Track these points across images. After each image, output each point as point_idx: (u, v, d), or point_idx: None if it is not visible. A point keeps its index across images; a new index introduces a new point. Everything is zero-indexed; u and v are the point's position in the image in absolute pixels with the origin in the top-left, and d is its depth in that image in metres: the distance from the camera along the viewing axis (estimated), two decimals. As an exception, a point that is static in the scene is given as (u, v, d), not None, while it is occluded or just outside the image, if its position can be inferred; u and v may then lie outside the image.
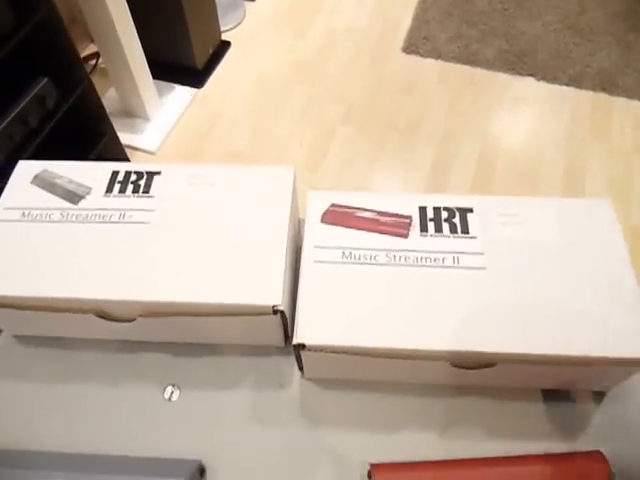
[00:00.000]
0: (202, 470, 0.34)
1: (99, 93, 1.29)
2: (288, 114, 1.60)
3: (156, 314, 0.34)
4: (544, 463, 0.32)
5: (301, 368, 0.36)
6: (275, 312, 0.33)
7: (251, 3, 1.84)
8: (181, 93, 1.54)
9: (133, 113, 1.47)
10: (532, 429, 0.35)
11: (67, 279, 0.34)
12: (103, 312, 0.35)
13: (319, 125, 1.57)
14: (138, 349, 0.39)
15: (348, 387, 0.37)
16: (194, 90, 1.57)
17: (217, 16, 1.59)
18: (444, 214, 0.36)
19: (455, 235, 0.35)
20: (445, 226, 0.36)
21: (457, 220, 0.36)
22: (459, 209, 0.37)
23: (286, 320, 0.35)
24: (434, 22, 1.80)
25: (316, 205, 0.37)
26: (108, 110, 1.33)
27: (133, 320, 0.35)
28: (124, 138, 1.37)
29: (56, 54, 1.10)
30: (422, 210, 0.37)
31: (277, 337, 0.37)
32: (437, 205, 0.37)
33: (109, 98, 1.47)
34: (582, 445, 0.34)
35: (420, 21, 1.80)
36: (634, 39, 1.70)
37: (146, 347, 0.39)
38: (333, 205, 0.37)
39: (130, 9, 1.26)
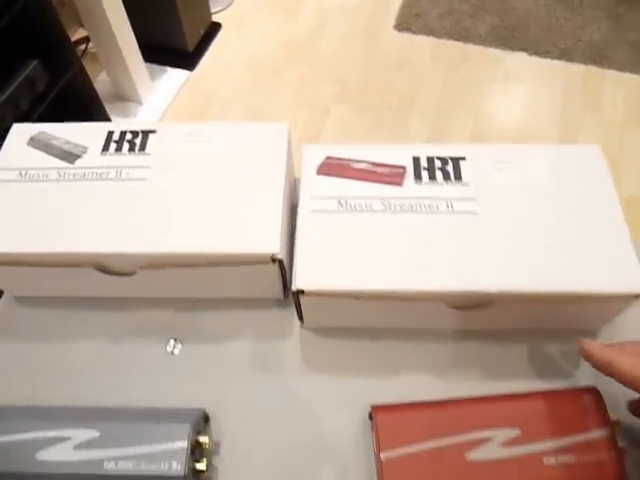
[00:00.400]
0: (206, 418, 0.35)
1: (90, 77, 1.28)
2: (281, 94, 1.60)
3: (155, 266, 0.34)
4: (542, 398, 0.33)
5: (301, 317, 0.37)
6: (274, 260, 0.34)
7: (241, -16, 1.83)
8: (173, 75, 1.54)
9: (125, 97, 1.46)
10: (529, 370, 0.36)
11: (66, 234, 0.34)
12: (103, 266, 0.35)
13: (313, 104, 1.57)
14: (139, 306, 0.39)
15: (348, 335, 0.38)
16: (186, 72, 1.56)
17: (207, -4, 1.58)
18: (437, 163, 0.37)
19: (448, 182, 0.36)
20: (439, 174, 0.36)
21: (450, 168, 0.37)
22: (452, 158, 0.37)
23: (285, 271, 0.35)
24: (425, -1, 1.79)
25: (312, 158, 0.38)
26: (100, 94, 1.32)
27: (133, 274, 0.35)
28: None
29: (45, 36, 1.10)
30: (416, 160, 0.37)
31: (276, 289, 0.38)
32: (430, 155, 0.37)
33: (100, 82, 1.46)
34: (578, 384, 0.35)
35: (411, -2, 1.79)
36: (624, 11, 1.70)
37: (147, 304, 0.39)
38: (328, 157, 0.38)
39: (119, -10, 1.25)
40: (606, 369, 0.29)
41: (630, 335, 0.37)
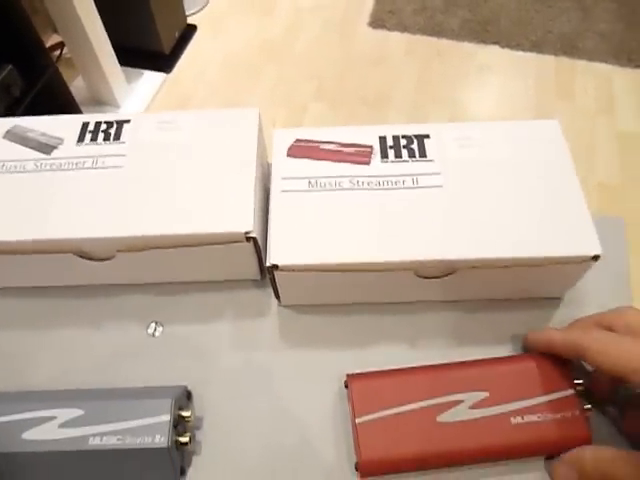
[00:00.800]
0: (189, 394, 0.36)
1: (66, 82, 1.28)
2: (259, 94, 1.61)
3: (133, 249, 0.35)
4: (510, 363, 0.35)
5: (277, 295, 0.38)
6: (248, 239, 0.35)
7: (215, -14, 1.84)
8: (150, 78, 1.54)
9: (102, 101, 1.46)
10: (498, 337, 0.38)
11: (45, 222, 0.35)
12: (82, 251, 0.36)
13: (291, 103, 1.58)
14: (120, 292, 0.40)
15: (324, 311, 0.39)
16: (163, 75, 1.57)
17: (181, 0, 1.58)
18: (403, 141, 0.38)
19: (414, 159, 0.37)
20: (404, 152, 0.38)
21: (415, 146, 0.38)
22: (416, 136, 0.39)
23: (259, 250, 0.37)
24: (398, -4, 1.81)
25: (282, 142, 0.39)
26: (77, 99, 1.33)
27: (112, 258, 0.36)
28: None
29: (19, 42, 1.10)
30: (382, 139, 0.39)
31: (253, 269, 0.39)
32: (396, 134, 0.39)
33: (77, 87, 1.47)
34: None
35: (384, -5, 1.82)
36: (592, 3, 1.74)
37: (127, 290, 0.40)
38: (298, 140, 0.39)
39: (92, -6, 1.25)
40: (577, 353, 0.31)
41: (592, 299, 0.39)
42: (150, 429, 0.32)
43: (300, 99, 1.57)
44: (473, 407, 0.33)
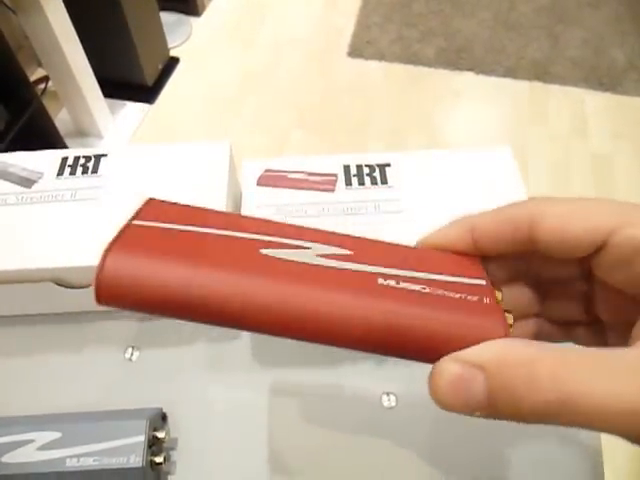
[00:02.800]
0: (164, 416, 0.37)
1: (51, 115, 1.31)
2: (241, 123, 1.64)
3: (110, 276, 0.37)
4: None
5: (249, 318, 0.40)
6: (219, 265, 0.37)
7: (197, 19, 1.89)
8: (133, 110, 1.57)
9: (86, 132, 1.49)
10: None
11: (24, 253, 0.37)
12: (60, 279, 0.38)
13: (272, 131, 1.61)
14: (97, 318, 0.42)
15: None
16: (146, 106, 1.59)
17: (163, 33, 1.62)
18: (365, 170, 0.41)
19: (375, 187, 0.40)
20: (367, 179, 0.40)
21: (377, 174, 0.40)
22: (378, 165, 0.41)
23: (231, 276, 0.38)
24: (376, 27, 1.87)
25: (251, 172, 0.41)
26: (61, 131, 1.35)
27: (89, 286, 0.38)
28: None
29: (3, 77, 1.12)
30: (346, 168, 0.41)
31: (225, 294, 0.41)
32: (359, 163, 0.41)
33: (61, 120, 1.49)
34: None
35: (362, 26, 1.88)
36: (561, 30, 1.80)
37: (104, 316, 0.42)
38: (267, 170, 0.41)
39: (76, 30, 1.29)
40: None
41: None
42: (125, 450, 0.33)
43: (281, 128, 1.60)
44: (324, 256, 0.22)
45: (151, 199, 0.24)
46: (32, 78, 1.55)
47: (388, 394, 0.38)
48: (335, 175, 0.40)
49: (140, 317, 0.42)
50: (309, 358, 0.40)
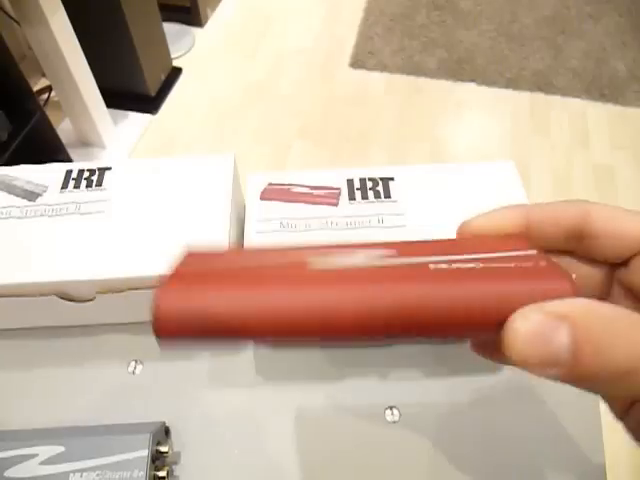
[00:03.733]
0: (167, 430, 0.37)
1: (54, 125, 1.31)
2: (244, 133, 1.65)
3: (113, 290, 0.37)
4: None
5: (252, 332, 0.40)
6: (222, 279, 0.37)
7: (200, 30, 1.90)
8: (136, 120, 1.58)
9: (89, 142, 1.49)
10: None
11: (28, 266, 0.37)
12: (64, 293, 0.38)
13: (275, 141, 1.62)
14: (101, 332, 0.42)
15: (298, 347, 0.41)
16: (149, 116, 1.60)
17: (166, 43, 1.63)
18: (369, 184, 0.41)
19: (379, 200, 0.40)
20: (370, 193, 0.40)
21: (380, 188, 0.41)
22: (382, 178, 0.41)
23: (235, 289, 0.39)
24: (378, 37, 1.88)
25: (255, 185, 0.41)
26: (64, 141, 1.35)
27: (93, 299, 0.38)
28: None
29: (6, 87, 1.13)
30: (350, 182, 0.41)
31: (229, 307, 0.41)
32: (363, 176, 0.41)
33: (64, 129, 1.50)
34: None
35: (364, 37, 1.89)
36: (563, 41, 1.81)
37: (108, 329, 0.42)
38: (270, 184, 0.41)
39: (79, 40, 1.29)
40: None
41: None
42: (129, 464, 0.33)
43: (284, 138, 1.61)
44: (375, 258, 0.21)
45: (189, 251, 0.24)
46: (35, 88, 1.56)
47: (391, 408, 0.38)
48: (338, 189, 0.41)
49: (142, 330, 0.42)
50: (312, 373, 0.40)
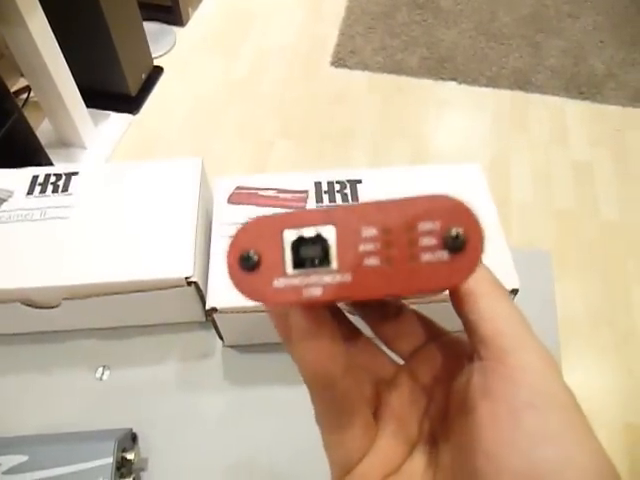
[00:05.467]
0: (134, 436, 0.37)
1: (33, 126, 1.30)
2: (226, 133, 1.64)
3: (78, 296, 0.37)
4: None
5: (220, 336, 0.40)
6: (189, 283, 0.37)
7: (181, 29, 1.89)
8: (117, 120, 1.56)
9: (69, 143, 1.48)
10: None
11: (-7, 273, 0.37)
12: (29, 300, 0.37)
13: (257, 140, 1.61)
14: (68, 338, 0.41)
15: (266, 350, 0.41)
16: (130, 116, 1.59)
17: (147, 42, 1.62)
18: (337, 186, 0.41)
19: (346, 203, 0.40)
20: (338, 196, 0.40)
21: (348, 190, 0.41)
22: (349, 181, 0.41)
23: (203, 295, 0.38)
24: (359, 36, 1.88)
25: (223, 189, 0.41)
26: (44, 141, 1.34)
27: (58, 305, 0.38)
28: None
29: (-17, 88, 1.11)
30: (317, 185, 0.41)
31: (197, 311, 0.40)
32: (331, 179, 0.41)
33: (43, 130, 1.48)
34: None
35: (346, 36, 1.88)
36: (542, 40, 1.82)
37: (75, 335, 0.42)
38: (238, 187, 0.41)
39: (57, 40, 1.28)
40: None
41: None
42: (93, 472, 0.33)
43: (266, 137, 1.60)
44: None
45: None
46: (14, 88, 1.54)
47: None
48: (306, 192, 0.41)
49: (109, 335, 0.42)
50: (279, 375, 0.40)
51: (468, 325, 0.19)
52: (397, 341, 0.23)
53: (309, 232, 0.17)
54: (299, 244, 0.17)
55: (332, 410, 0.20)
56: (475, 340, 0.19)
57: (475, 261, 0.17)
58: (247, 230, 0.18)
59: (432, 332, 0.23)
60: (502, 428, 0.17)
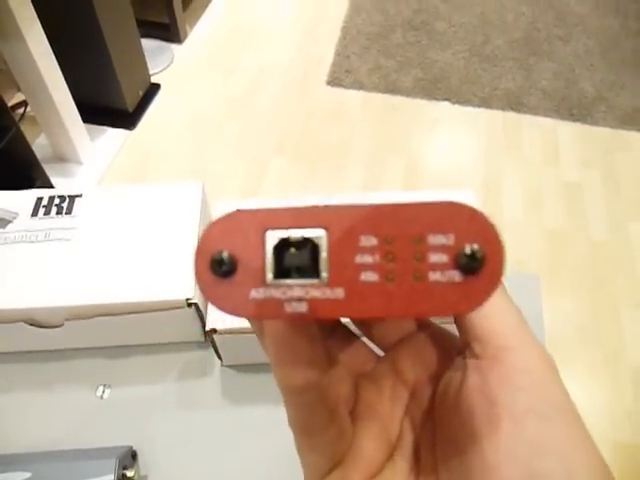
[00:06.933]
0: (134, 454, 0.38)
1: (29, 140, 1.31)
2: (222, 150, 1.66)
3: (80, 317, 0.38)
4: None
5: (219, 356, 0.41)
6: (189, 305, 0.38)
7: (179, 46, 1.91)
8: (113, 136, 1.58)
9: (65, 158, 1.49)
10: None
11: (-2, 293, 0.38)
12: (32, 319, 0.38)
13: (253, 158, 1.63)
14: (69, 357, 0.42)
15: (265, 370, 0.42)
16: (126, 132, 1.60)
17: (145, 59, 1.64)
18: (333, 211, 0.42)
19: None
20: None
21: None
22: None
23: (202, 315, 0.40)
24: (354, 56, 1.91)
25: (222, 212, 0.42)
26: (40, 156, 1.35)
27: (61, 325, 0.39)
28: (57, 183, 1.39)
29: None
30: (314, 210, 0.42)
31: (197, 331, 0.42)
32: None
33: (40, 145, 1.49)
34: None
35: (341, 56, 1.91)
36: (534, 62, 1.86)
37: (77, 354, 0.42)
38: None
39: (56, 55, 1.29)
40: None
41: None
42: (94, 490, 0.34)
43: (262, 154, 1.62)
44: None
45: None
46: (11, 103, 1.56)
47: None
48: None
49: (110, 354, 0.43)
50: (277, 395, 0.41)
51: (461, 320, 0.18)
52: (378, 331, 0.21)
53: (297, 235, 0.15)
54: (284, 248, 0.15)
55: (306, 412, 0.18)
56: (469, 336, 0.18)
57: (492, 286, 0.14)
58: (221, 225, 0.16)
59: (416, 322, 0.21)
60: (502, 436, 0.16)
